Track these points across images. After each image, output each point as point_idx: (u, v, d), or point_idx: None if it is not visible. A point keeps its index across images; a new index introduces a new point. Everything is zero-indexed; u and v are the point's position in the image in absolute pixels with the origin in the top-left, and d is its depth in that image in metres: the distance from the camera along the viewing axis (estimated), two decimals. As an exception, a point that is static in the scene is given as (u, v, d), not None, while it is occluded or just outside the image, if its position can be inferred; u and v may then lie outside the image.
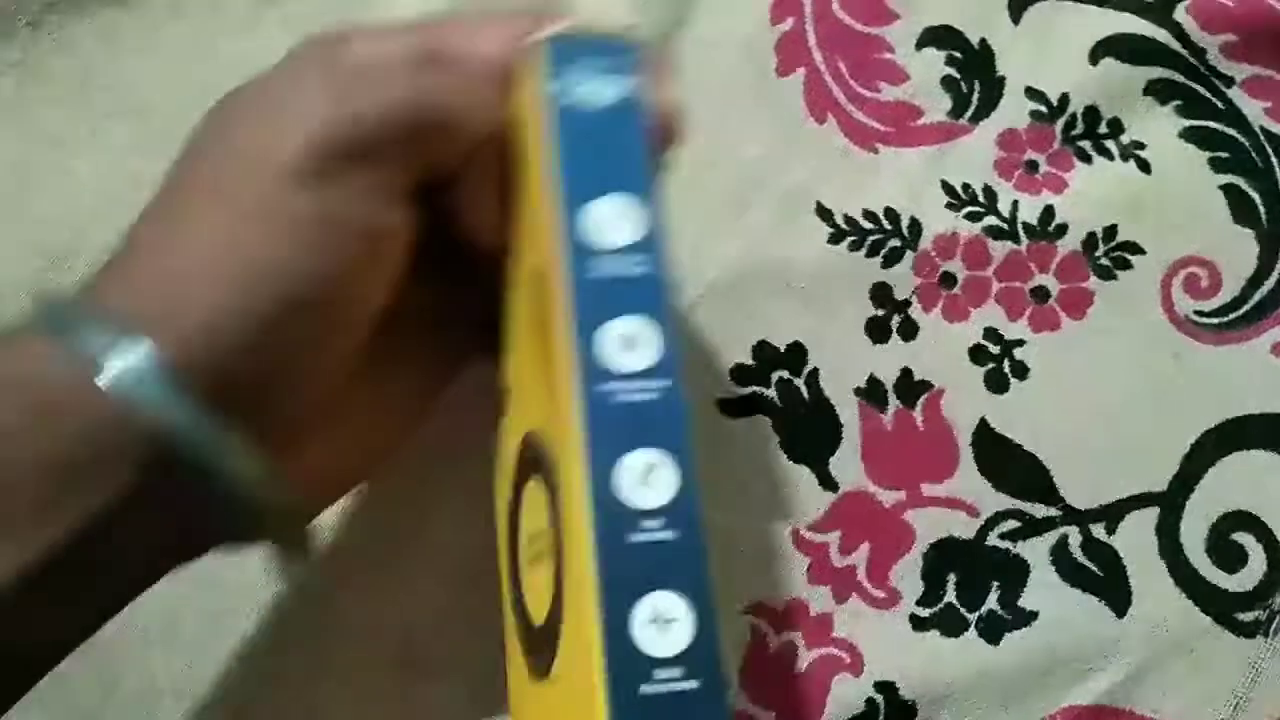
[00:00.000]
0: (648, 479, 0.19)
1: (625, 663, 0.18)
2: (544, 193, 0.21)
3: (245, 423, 0.20)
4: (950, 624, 0.30)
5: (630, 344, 0.20)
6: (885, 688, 0.29)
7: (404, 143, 0.21)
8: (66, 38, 0.31)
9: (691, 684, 0.18)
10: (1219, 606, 0.31)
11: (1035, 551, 0.31)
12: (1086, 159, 0.33)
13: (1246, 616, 0.31)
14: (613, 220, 0.21)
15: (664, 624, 0.18)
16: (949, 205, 0.33)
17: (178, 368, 0.20)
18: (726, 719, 0.19)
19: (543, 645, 0.21)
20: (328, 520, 0.29)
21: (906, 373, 0.31)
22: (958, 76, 0.34)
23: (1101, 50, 0.34)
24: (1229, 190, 0.34)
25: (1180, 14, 0.35)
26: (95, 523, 0.19)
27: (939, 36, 0.34)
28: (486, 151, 0.23)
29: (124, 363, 0.19)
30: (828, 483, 0.31)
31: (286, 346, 0.21)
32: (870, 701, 0.29)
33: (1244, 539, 0.31)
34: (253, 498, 0.21)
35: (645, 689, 0.18)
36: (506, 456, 0.25)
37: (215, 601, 0.28)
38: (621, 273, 0.21)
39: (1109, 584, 0.31)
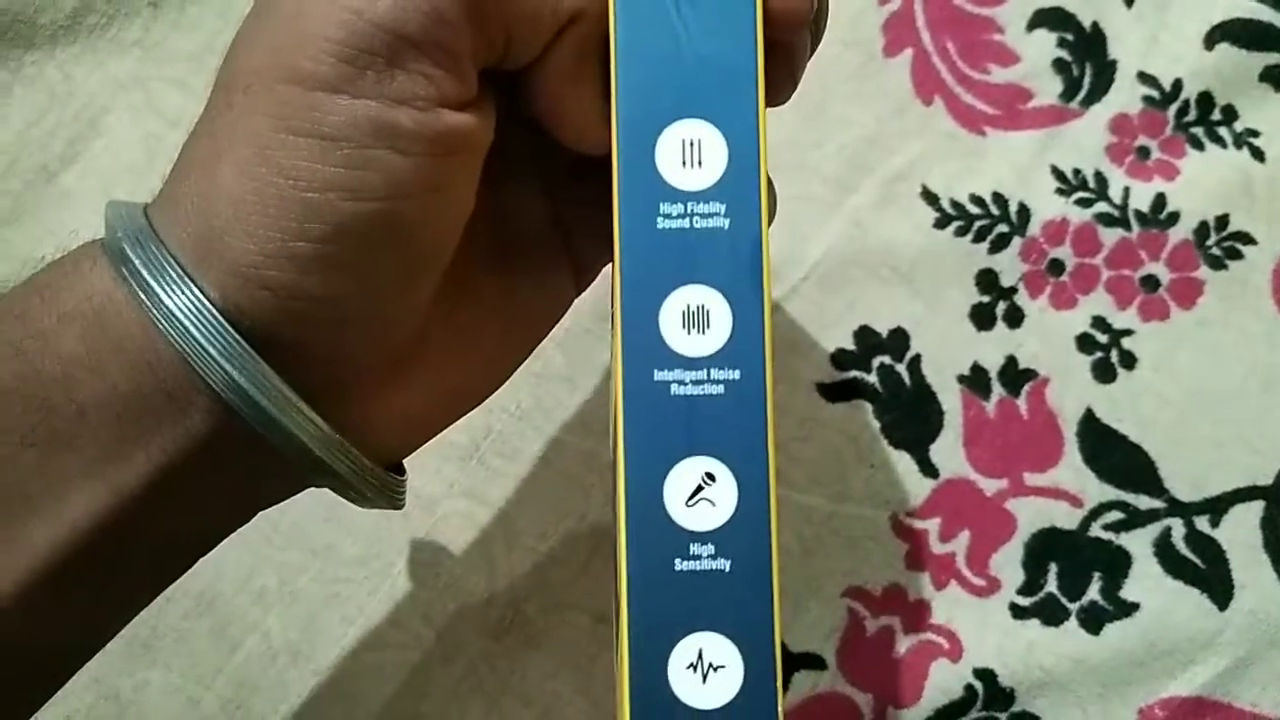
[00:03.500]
0: (702, 494, 0.17)
1: (657, 711, 0.17)
2: (611, 103, 0.18)
3: (309, 373, 0.19)
4: (1051, 613, 0.30)
5: (694, 322, 0.18)
6: (984, 674, 0.30)
7: (453, 27, 0.18)
8: (187, 17, 0.32)
9: None
10: (1324, 603, 0.30)
11: (1138, 543, 0.30)
12: (1199, 146, 0.33)
13: (1353, 614, 0.30)
14: (692, 155, 0.18)
15: (707, 671, 0.17)
16: (1059, 191, 0.32)
17: (232, 310, 0.18)
18: None
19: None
20: (439, 491, 0.30)
21: (1011, 360, 0.31)
22: (1069, 59, 0.33)
23: (1217, 35, 0.33)
24: (1346, 180, 0.33)
25: (1299, -3, 0.34)
26: (166, 469, 0.18)
27: (1050, 18, 0.33)
28: (578, 27, 0.19)
29: (179, 304, 0.18)
30: (928, 469, 0.31)
31: (352, 286, 0.18)
32: (969, 687, 0.29)
33: (1353, 536, 0.31)
34: (316, 455, 0.19)
35: None
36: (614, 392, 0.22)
37: (331, 569, 0.29)
38: (692, 226, 0.18)
39: (1212, 577, 0.30)
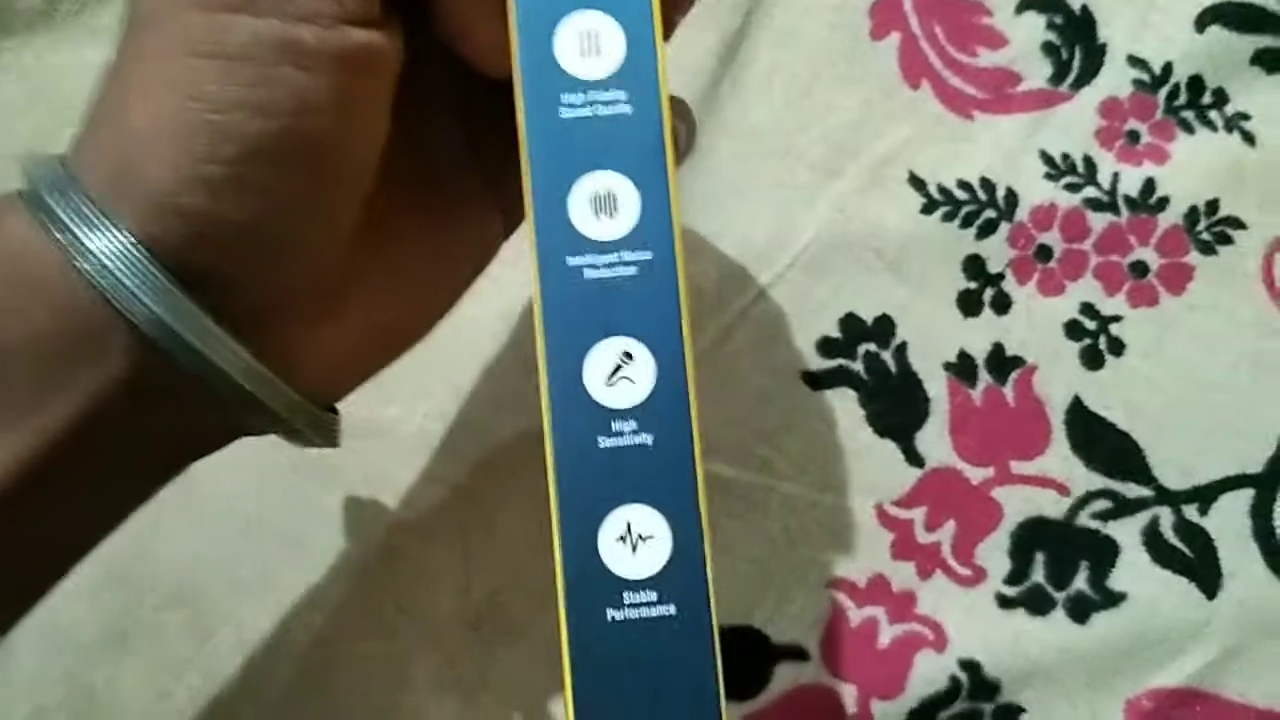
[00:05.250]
0: (621, 372, 0.18)
1: (590, 584, 0.17)
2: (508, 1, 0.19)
3: (232, 304, 0.19)
4: (1037, 603, 0.30)
5: (603, 206, 0.18)
6: (969, 665, 0.29)
7: None
8: None
9: (667, 609, 0.17)
10: (1314, 592, 0.30)
11: (1126, 532, 0.30)
12: (1189, 130, 0.32)
13: (1343, 604, 0.30)
14: (590, 45, 0.18)
15: (636, 542, 0.18)
16: (1047, 175, 0.32)
17: (149, 243, 0.18)
18: (708, 651, 0.17)
19: None
20: (416, 480, 0.30)
21: (998, 348, 0.31)
22: (1058, 43, 0.32)
23: (1208, 17, 0.33)
24: (1339, 164, 0.32)
25: (1292, -22, 0.33)
26: (91, 411, 0.18)
27: (1039, 1, 0.33)
28: None
29: (97, 243, 0.18)
30: (914, 458, 0.30)
31: (267, 208, 0.19)
32: (953, 678, 0.29)
33: (1343, 525, 0.30)
34: (246, 390, 0.19)
35: (613, 614, 0.17)
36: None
37: (306, 560, 0.29)
38: (596, 114, 0.18)
39: (1200, 566, 0.30)
